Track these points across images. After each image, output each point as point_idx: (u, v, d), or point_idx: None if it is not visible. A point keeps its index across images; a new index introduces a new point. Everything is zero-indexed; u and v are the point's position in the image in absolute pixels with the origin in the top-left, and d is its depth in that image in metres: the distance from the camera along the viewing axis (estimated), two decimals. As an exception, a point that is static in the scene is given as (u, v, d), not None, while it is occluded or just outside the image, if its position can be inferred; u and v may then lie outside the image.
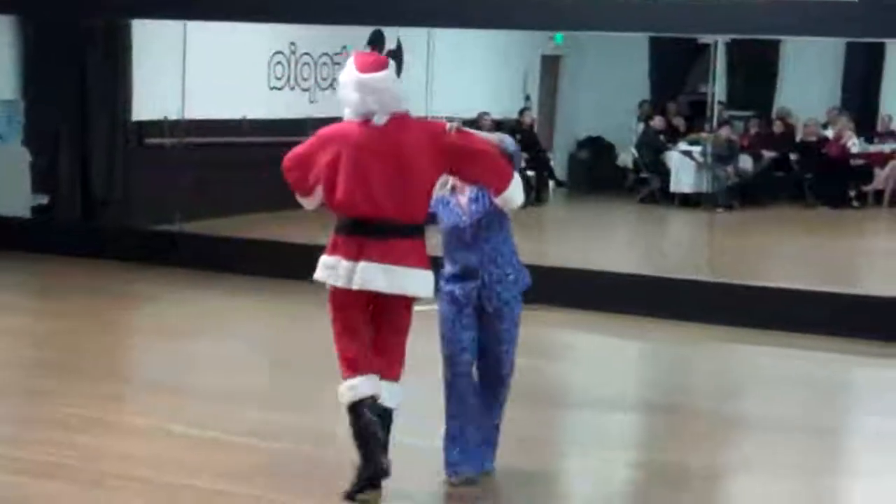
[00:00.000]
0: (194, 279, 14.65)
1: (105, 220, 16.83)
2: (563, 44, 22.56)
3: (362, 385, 7.34)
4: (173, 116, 16.93)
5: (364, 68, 7.33)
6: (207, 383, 10.29)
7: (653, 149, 22.15)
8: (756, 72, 23.25)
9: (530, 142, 21.55)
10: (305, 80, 19.30)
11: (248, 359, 11.36)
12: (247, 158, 17.33)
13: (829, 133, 22.04)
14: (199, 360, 11.20)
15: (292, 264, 14.50)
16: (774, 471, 8.50)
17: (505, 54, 21.67)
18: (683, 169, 21.38)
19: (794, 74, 23.07)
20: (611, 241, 18.27)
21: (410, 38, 19.20)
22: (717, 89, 19.22)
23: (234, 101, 17.87)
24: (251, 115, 18.11)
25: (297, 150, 7.54)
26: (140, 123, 17.15)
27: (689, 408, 10.30)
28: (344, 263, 7.27)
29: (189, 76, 16.50)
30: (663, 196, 21.59)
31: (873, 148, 21.88)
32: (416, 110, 17.20)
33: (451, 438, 7.71)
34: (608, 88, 22.46)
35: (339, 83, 7.47)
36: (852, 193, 21.34)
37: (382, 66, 7.40)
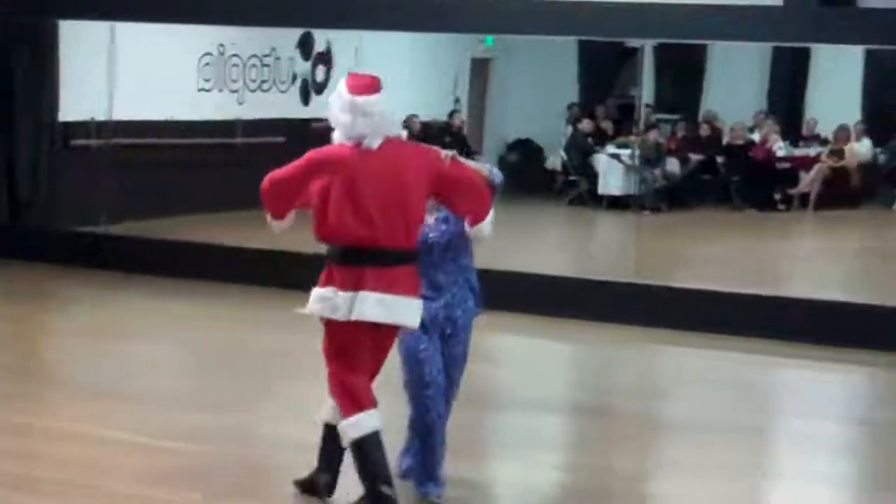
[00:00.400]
0: (119, 281, 14.56)
1: (30, 222, 16.68)
2: (492, 47, 22.62)
3: (365, 421, 7.13)
4: (100, 117, 16.81)
5: (356, 90, 7.11)
6: (137, 386, 10.22)
7: (581, 152, 22.24)
8: (683, 75, 23.40)
9: (460, 144, 21.59)
10: (234, 81, 19.22)
11: (177, 362, 11.32)
12: (174, 160, 17.27)
13: (756, 136, 22.23)
14: (127, 364, 11.13)
15: (219, 267, 14.52)
16: (700, 472, 8.57)
17: (435, 57, 21.69)
18: (611, 171, 21.49)
19: (720, 78, 23.24)
20: (539, 243, 18.32)
21: (340, 41, 19.19)
22: (645, 93, 19.34)
23: (162, 103, 17.76)
24: (179, 117, 18.01)
25: (282, 173, 7.24)
26: (66, 124, 17.00)
27: (616, 409, 10.36)
28: (342, 294, 7.03)
29: (117, 77, 16.40)
30: (591, 198, 21.69)
31: (799, 151, 22.08)
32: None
33: (414, 455, 7.67)
34: (537, 91, 22.55)
35: (329, 103, 7.20)
36: (778, 196, 21.52)
37: (376, 88, 7.19)
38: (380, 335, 7.17)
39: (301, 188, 7.14)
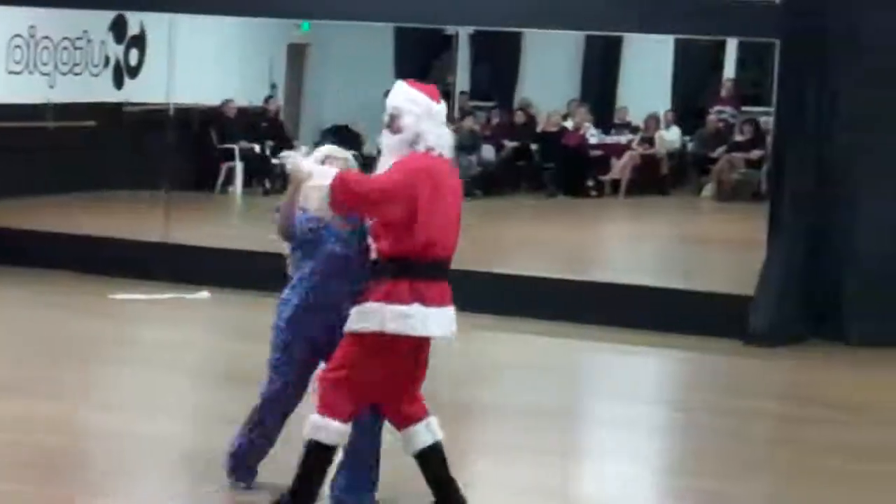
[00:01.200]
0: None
1: None
2: (309, 32, 22.53)
3: (340, 433, 6.96)
4: None
5: (435, 98, 6.95)
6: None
7: (398, 138, 22.29)
8: (499, 63, 23.57)
9: (276, 130, 21.52)
10: (45, 64, 18.84)
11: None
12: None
13: (569, 124, 22.50)
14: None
15: (31, 253, 14.27)
16: (515, 454, 8.67)
17: (251, 41, 21.53)
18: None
19: (535, 66, 23.46)
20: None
21: (153, 24, 18.94)
22: (461, 80, 19.45)
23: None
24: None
25: (390, 184, 6.78)
26: None
27: (435, 395, 10.39)
28: (424, 310, 6.79)
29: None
30: (408, 185, 21.72)
31: (610, 139, 22.40)
32: (158, 97, 17.18)
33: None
34: (355, 78, 22.50)
35: (399, 109, 6.90)
36: (590, 183, 21.82)
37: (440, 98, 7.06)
38: (424, 348, 7.05)
39: (407, 198, 6.76)
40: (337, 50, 22.37)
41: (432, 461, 7.13)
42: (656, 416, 10.18)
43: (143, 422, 8.91)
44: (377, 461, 7.32)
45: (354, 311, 6.88)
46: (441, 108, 6.99)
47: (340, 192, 6.76)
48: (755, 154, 20.01)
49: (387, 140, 6.99)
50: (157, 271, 14.10)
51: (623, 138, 22.28)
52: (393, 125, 6.94)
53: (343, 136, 23.58)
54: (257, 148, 20.87)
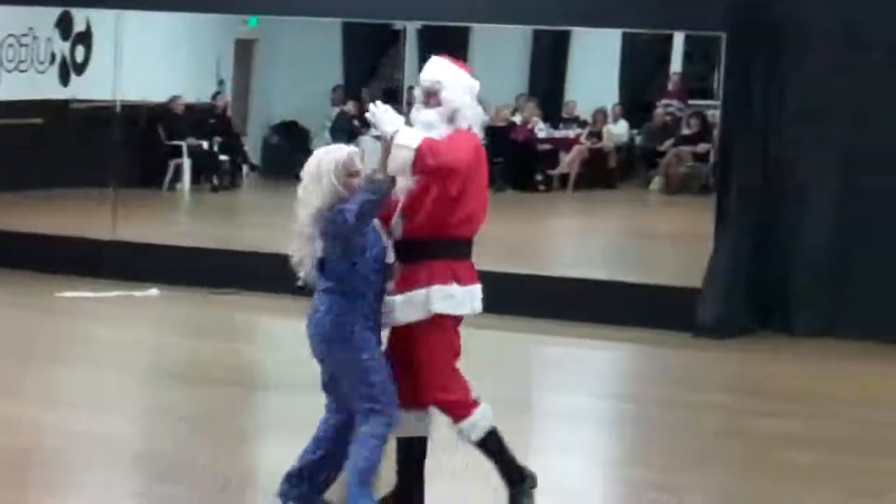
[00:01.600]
0: None
1: None
2: (257, 27, 22.46)
3: (484, 413, 6.94)
4: None
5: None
6: None
7: (346, 134, 22.25)
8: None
9: (224, 126, 21.46)
10: (-10, 61, 18.72)
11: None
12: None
13: (518, 118, 22.54)
14: None
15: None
16: (462, 447, 8.67)
17: (198, 37, 21.42)
18: (376, 153, 21.51)
19: (483, 61, 23.40)
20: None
21: (99, 21, 18.83)
22: (410, 75, 19.43)
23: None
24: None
25: (464, 163, 6.64)
26: None
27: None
28: (464, 289, 6.76)
29: None
30: (357, 180, 21.71)
31: (559, 133, 22.46)
32: (105, 94, 17.07)
33: None
34: (302, 73, 22.46)
35: (448, 87, 6.81)
36: (539, 177, 21.86)
37: None
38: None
39: (464, 178, 6.63)
40: (285, 45, 22.31)
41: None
42: (606, 408, 10.23)
43: (95, 420, 8.88)
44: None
45: (400, 302, 6.71)
46: (477, 84, 6.91)
47: (430, 156, 6.53)
48: (702, 147, 20.10)
49: (424, 116, 6.81)
50: (105, 269, 14.04)
51: (571, 132, 22.34)
52: (430, 100, 6.79)
53: (290, 131, 23.62)
54: (205, 144, 20.80)
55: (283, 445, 8.72)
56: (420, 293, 6.69)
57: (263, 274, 13.44)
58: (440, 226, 6.68)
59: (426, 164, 6.53)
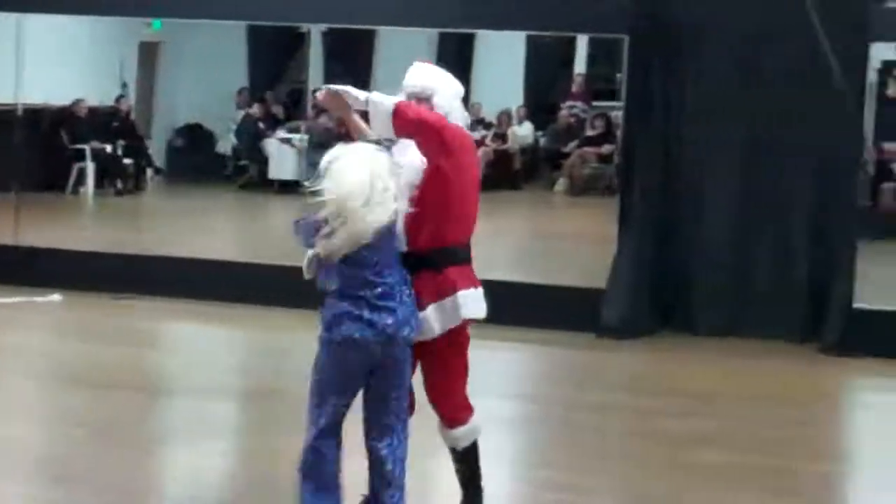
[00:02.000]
0: None
1: None
2: (161, 30, 22.32)
3: (473, 428, 6.96)
4: None
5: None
6: None
7: (252, 136, 22.22)
8: (352, 61, 23.55)
9: (128, 129, 21.33)
10: None
11: None
12: None
13: (424, 120, 22.57)
14: None
15: None
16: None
17: (101, 40, 21.27)
18: (282, 156, 21.54)
19: (388, 63, 23.46)
20: (207, 228, 18.21)
21: (0, 24, 18.63)
22: (316, 78, 19.40)
23: None
24: None
25: (446, 123, 6.68)
26: None
27: (283, 393, 10.38)
28: (465, 293, 6.75)
29: None
30: (263, 182, 21.68)
31: (465, 135, 22.54)
32: (6, 97, 16.88)
33: None
34: (207, 76, 22.37)
35: (434, 89, 6.81)
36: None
37: None
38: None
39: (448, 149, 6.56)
40: (190, 48, 22.19)
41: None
42: (511, 409, 10.25)
43: (-6, 427, 8.80)
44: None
45: (433, 313, 6.68)
46: (462, 89, 6.95)
47: (408, 111, 6.53)
48: (606, 149, 20.26)
49: None
50: (6, 274, 13.89)
51: (476, 134, 22.39)
52: (422, 105, 6.73)
53: (195, 134, 23.50)
54: (109, 148, 20.67)
55: (186, 451, 8.70)
56: (447, 302, 6.69)
57: (161, 278, 13.42)
58: (443, 237, 6.66)
59: (407, 116, 6.53)
